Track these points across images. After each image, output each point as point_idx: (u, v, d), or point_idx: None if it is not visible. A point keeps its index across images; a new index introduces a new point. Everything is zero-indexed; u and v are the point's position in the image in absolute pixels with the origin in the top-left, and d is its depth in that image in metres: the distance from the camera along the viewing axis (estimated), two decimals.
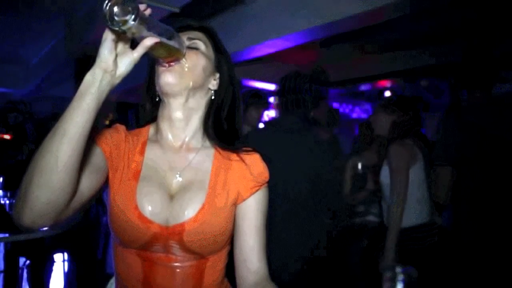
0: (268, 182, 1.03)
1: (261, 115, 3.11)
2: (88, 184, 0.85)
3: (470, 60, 2.50)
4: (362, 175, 2.61)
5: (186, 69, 0.93)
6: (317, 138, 2.04)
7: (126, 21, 0.70)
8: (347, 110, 8.34)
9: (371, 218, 2.81)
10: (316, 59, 5.61)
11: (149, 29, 0.76)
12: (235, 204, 0.99)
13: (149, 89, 1.03)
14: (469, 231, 2.26)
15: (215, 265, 0.97)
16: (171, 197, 0.94)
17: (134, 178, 0.93)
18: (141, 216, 0.89)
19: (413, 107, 2.41)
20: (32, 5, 4.95)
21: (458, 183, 2.28)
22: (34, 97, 7.96)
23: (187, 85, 0.94)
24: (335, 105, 7.42)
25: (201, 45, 0.99)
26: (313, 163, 1.90)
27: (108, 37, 0.74)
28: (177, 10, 3.72)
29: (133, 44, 0.79)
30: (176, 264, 0.92)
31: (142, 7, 0.73)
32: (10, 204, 2.73)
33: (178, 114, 0.97)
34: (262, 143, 1.64)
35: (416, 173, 2.16)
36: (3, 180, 3.46)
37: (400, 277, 0.81)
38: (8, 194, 2.88)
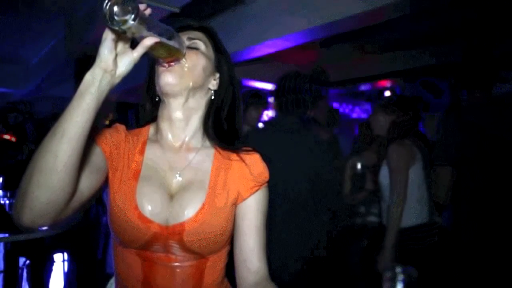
0: (268, 182, 1.03)
1: (261, 115, 3.12)
2: (88, 184, 0.85)
3: (470, 60, 2.50)
4: (361, 175, 2.61)
5: (186, 69, 0.93)
6: (317, 138, 2.04)
7: (126, 21, 0.70)
8: (347, 110, 8.33)
9: (371, 218, 2.81)
10: (316, 59, 5.61)
11: (149, 29, 0.76)
12: (235, 204, 0.99)
13: (149, 89, 1.03)
14: (469, 231, 2.26)
15: (215, 265, 0.97)
16: (171, 197, 0.94)
17: (134, 178, 0.93)
18: (141, 216, 0.89)
19: (413, 107, 2.41)
20: (32, 5, 4.95)
21: (458, 183, 2.28)
22: (34, 97, 7.96)
23: (187, 85, 0.94)
24: (335, 105, 7.41)
25: (201, 45, 0.99)
26: (313, 163, 1.90)
27: (108, 36, 0.74)
28: (177, 10, 3.72)
29: (133, 44, 0.79)
30: (176, 264, 0.92)
31: (142, 7, 0.73)
32: (10, 204, 2.73)
33: (178, 114, 0.97)
34: (262, 143, 1.64)
35: (416, 173, 2.16)
36: (3, 180, 3.46)
37: (400, 277, 0.80)
38: (8, 194, 2.88)
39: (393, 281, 0.80)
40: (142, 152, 0.98)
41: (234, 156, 1.01)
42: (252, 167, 1.00)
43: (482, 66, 2.38)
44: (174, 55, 0.89)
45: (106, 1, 0.70)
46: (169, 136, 0.99)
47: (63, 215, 0.78)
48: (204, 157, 1.00)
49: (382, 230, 2.18)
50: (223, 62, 1.04)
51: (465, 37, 4.77)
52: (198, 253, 0.93)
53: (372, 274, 2.10)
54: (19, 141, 3.56)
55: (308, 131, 2.02)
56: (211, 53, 1.01)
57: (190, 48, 0.96)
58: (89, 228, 3.08)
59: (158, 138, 1.01)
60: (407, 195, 2.10)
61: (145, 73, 1.04)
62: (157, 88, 0.96)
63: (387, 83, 6.88)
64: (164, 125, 0.99)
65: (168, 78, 0.92)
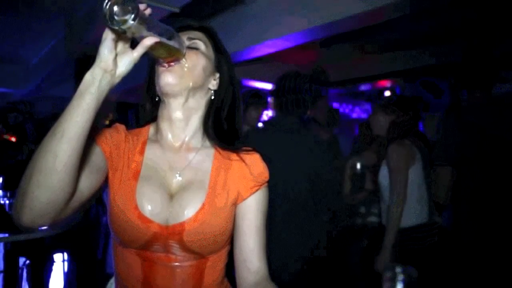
0: (268, 182, 1.03)
1: (260, 115, 3.12)
2: (88, 183, 0.85)
3: (470, 60, 2.51)
4: (361, 175, 2.61)
5: (186, 69, 0.93)
6: (317, 138, 2.04)
7: (125, 21, 0.70)
8: (347, 110, 8.34)
9: (372, 218, 2.81)
10: (316, 59, 5.61)
11: (149, 29, 0.76)
12: (235, 204, 0.99)
13: (149, 89, 1.03)
14: (469, 231, 2.26)
15: (215, 265, 0.97)
16: (171, 197, 0.94)
17: (134, 178, 0.93)
18: (141, 216, 0.89)
19: (413, 107, 2.41)
20: (32, 5, 4.95)
21: (458, 183, 2.28)
22: (34, 97, 7.96)
23: (187, 85, 0.94)
24: (335, 105, 7.41)
25: (201, 45, 0.99)
26: (313, 163, 1.90)
27: (108, 36, 0.74)
28: (177, 10, 3.72)
29: (133, 44, 0.79)
30: (176, 264, 0.92)
31: (142, 6, 0.73)
32: (10, 204, 2.73)
33: (178, 114, 0.97)
34: (262, 143, 1.64)
35: (416, 173, 2.16)
36: (3, 180, 3.46)
37: (400, 277, 0.80)
38: (8, 194, 2.88)
39: (393, 281, 0.80)
40: (142, 152, 0.98)
41: (234, 156, 1.01)
42: (252, 167, 1.00)
43: (482, 66, 2.39)
44: (174, 55, 0.89)
45: (106, 1, 0.70)
46: (169, 136, 0.99)
47: (63, 215, 0.78)
48: (204, 157, 1.00)
49: (382, 230, 2.18)
50: (223, 62, 1.04)
51: (465, 37, 4.77)
52: (198, 253, 0.93)
53: (372, 274, 2.09)
54: (19, 141, 3.56)
55: (308, 131, 2.02)
56: (211, 53, 1.01)
57: (190, 48, 0.96)
58: (89, 228, 3.08)
59: (158, 138, 1.01)
60: (407, 195, 2.10)
61: (145, 73, 1.04)
62: (157, 88, 0.96)
63: (387, 83, 6.88)
64: (164, 125, 0.99)
65: (168, 78, 0.92)
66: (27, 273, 2.96)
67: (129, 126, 1.02)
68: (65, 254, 3.17)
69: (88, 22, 4.65)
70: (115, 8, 0.70)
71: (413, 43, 5.49)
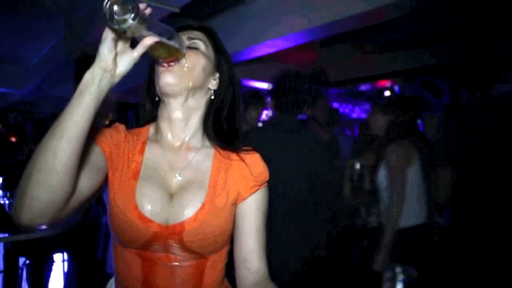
0: (268, 182, 1.03)
1: (260, 115, 3.12)
2: (88, 183, 0.85)
3: (470, 60, 2.51)
4: (360, 175, 2.61)
5: (186, 69, 0.93)
6: (317, 138, 2.04)
7: (125, 20, 0.70)
8: (347, 110, 8.34)
9: (372, 219, 2.80)
10: (316, 59, 5.61)
11: (149, 29, 0.76)
12: (235, 204, 0.99)
13: (149, 89, 1.03)
14: (469, 231, 2.26)
15: (215, 265, 0.97)
16: (171, 196, 0.94)
17: (133, 178, 0.93)
18: (141, 216, 0.89)
19: (413, 107, 2.41)
20: (32, 5, 4.95)
21: (458, 183, 2.28)
22: (34, 97, 7.96)
23: (187, 85, 0.94)
24: (335, 105, 7.41)
25: (201, 45, 0.99)
26: (313, 163, 1.90)
27: (108, 36, 0.74)
28: (177, 10, 3.72)
29: (133, 44, 0.79)
30: (176, 264, 0.92)
31: (142, 6, 0.73)
32: (10, 204, 2.73)
33: (178, 114, 0.97)
34: (262, 142, 1.64)
35: (415, 173, 2.16)
36: (3, 180, 3.46)
37: (400, 277, 0.80)
38: (8, 194, 2.88)
39: (393, 281, 0.81)
40: (142, 152, 0.97)
41: (234, 156, 1.01)
42: (252, 167, 1.00)
43: (482, 66, 2.39)
44: (174, 55, 0.89)
45: (106, 0, 0.70)
46: (169, 136, 0.99)
47: (62, 215, 0.78)
48: (204, 157, 1.00)
49: (382, 230, 2.18)
50: (223, 62, 1.04)
51: (465, 37, 4.77)
52: (198, 253, 0.93)
53: (372, 274, 2.09)
54: (19, 141, 3.56)
55: (308, 131, 2.02)
56: (211, 53, 1.01)
57: (190, 48, 0.96)
58: (89, 228, 3.08)
59: (158, 138, 1.01)
60: (406, 195, 2.10)
61: (145, 73, 1.04)
62: (157, 88, 0.96)
63: (387, 83, 6.88)
64: (164, 125, 0.99)
65: (168, 78, 0.92)
66: (27, 273, 2.96)
67: (129, 126, 1.02)
68: (65, 254, 3.17)
69: (88, 22, 4.65)
70: (115, 8, 0.70)
71: (413, 43, 5.49)
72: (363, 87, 7.40)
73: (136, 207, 0.89)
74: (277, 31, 3.84)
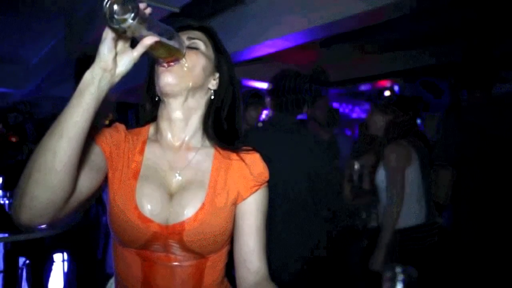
0: (268, 182, 1.02)
1: (260, 115, 3.12)
2: (88, 183, 0.85)
3: (470, 60, 2.51)
4: (359, 175, 2.61)
5: (185, 69, 0.93)
6: (317, 138, 2.04)
7: (125, 20, 0.70)
8: (347, 110, 8.34)
9: (373, 221, 2.80)
10: (316, 59, 5.61)
11: (149, 29, 0.76)
12: (235, 204, 0.99)
13: (149, 89, 1.03)
14: (469, 231, 2.26)
15: (215, 265, 0.97)
16: (171, 196, 0.94)
17: (133, 178, 0.93)
18: (141, 216, 0.89)
19: (413, 107, 2.41)
20: (32, 5, 4.95)
21: (458, 183, 2.28)
22: (34, 97, 7.96)
23: (186, 85, 0.94)
24: (335, 105, 7.42)
25: (201, 45, 0.99)
26: (313, 163, 1.90)
27: (108, 35, 0.74)
28: (177, 10, 3.72)
29: (133, 44, 0.79)
30: (176, 263, 0.92)
31: (142, 6, 0.73)
32: (10, 204, 2.73)
33: (177, 114, 0.97)
34: (262, 142, 1.64)
35: (415, 173, 2.16)
36: (3, 180, 3.46)
37: (400, 277, 0.80)
38: (8, 194, 2.88)
39: (393, 281, 0.80)
40: (142, 151, 0.97)
41: (234, 155, 1.01)
42: (252, 167, 1.00)
43: (482, 66, 2.39)
44: (174, 55, 0.89)
45: (106, 0, 0.70)
46: (169, 135, 0.99)
47: (62, 215, 0.78)
48: (204, 157, 1.00)
49: (381, 230, 2.17)
50: (223, 62, 1.04)
51: (465, 37, 4.77)
52: (198, 253, 0.93)
53: (372, 274, 2.10)
54: (19, 141, 3.56)
55: (308, 131, 2.02)
56: (211, 53, 1.01)
57: (190, 48, 0.96)
58: (89, 228, 3.07)
59: (158, 137, 1.00)
60: (404, 195, 2.10)
61: (145, 73, 1.04)
62: (157, 88, 0.96)
63: (387, 83, 6.89)
64: (164, 124, 0.99)
65: (168, 78, 0.92)
66: (27, 273, 2.96)
67: (129, 126, 1.02)
68: (65, 254, 3.17)
69: (88, 22, 4.65)
70: (115, 7, 0.70)
71: (413, 43, 5.49)
72: (363, 87, 7.40)
73: (136, 207, 0.89)
74: (277, 31, 3.84)
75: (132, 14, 0.70)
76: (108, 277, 1.09)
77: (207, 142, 1.02)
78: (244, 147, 1.02)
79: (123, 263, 0.95)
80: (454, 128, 2.32)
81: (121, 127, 0.99)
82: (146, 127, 1.03)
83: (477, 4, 3.89)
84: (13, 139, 3.55)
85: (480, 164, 2.23)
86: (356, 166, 2.60)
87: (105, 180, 0.92)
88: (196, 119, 1.00)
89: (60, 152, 0.72)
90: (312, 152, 1.91)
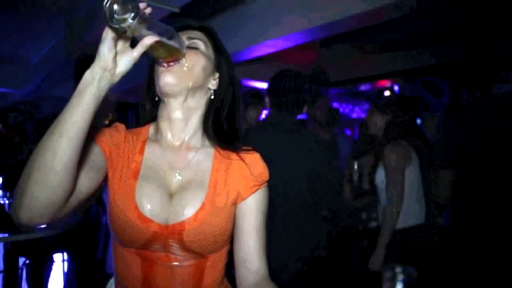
0: (268, 182, 1.02)
1: (260, 115, 3.12)
2: (87, 183, 0.85)
3: (470, 60, 2.51)
4: (359, 175, 2.61)
5: (185, 69, 0.93)
6: (317, 138, 2.04)
7: (125, 19, 0.70)
8: (347, 110, 8.35)
9: (373, 222, 2.80)
10: (316, 59, 5.61)
11: (149, 28, 0.76)
12: (235, 204, 0.99)
13: (149, 89, 1.03)
14: (469, 231, 2.26)
15: (215, 265, 0.97)
16: (171, 196, 0.94)
17: (133, 178, 0.93)
18: (141, 216, 0.89)
19: (413, 107, 2.41)
20: (32, 5, 4.96)
21: (458, 183, 2.28)
22: (34, 97, 7.96)
23: (186, 85, 0.94)
24: (335, 105, 7.42)
25: (201, 45, 0.99)
26: (313, 163, 1.90)
27: (108, 35, 0.74)
28: (177, 10, 3.72)
29: (133, 44, 0.79)
30: (176, 263, 0.92)
31: (142, 6, 0.73)
32: (10, 204, 2.73)
33: (177, 113, 0.97)
34: (262, 142, 1.64)
35: (415, 173, 2.16)
36: (3, 180, 3.46)
37: (400, 277, 0.80)
38: (8, 194, 2.88)
39: (393, 281, 0.80)
40: (142, 151, 0.97)
41: (234, 155, 1.01)
42: (252, 166, 1.00)
43: (482, 66, 2.39)
44: (174, 55, 0.89)
45: (106, 0, 0.70)
46: (169, 135, 0.99)
47: (61, 214, 0.78)
48: (204, 157, 1.00)
49: (381, 230, 2.17)
50: (223, 62, 1.04)
51: (465, 37, 4.77)
52: (198, 252, 0.93)
53: (372, 274, 2.10)
54: (19, 141, 3.56)
55: (308, 131, 2.02)
56: (211, 53, 1.01)
57: (190, 48, 0.96)
58: (89, 228, 3.08)
59: (158, 137, 1.00)
60: (404, 195, 2.10)
61: (145, 73, 1.04)
62: (157, 88, 0.96)
63: (387, 83, 6.89)
64: (164, 124, 0.99)
65: (168, 78, 0.92)
66: (27, 273, 2.95)
67: (129, 126, 1.02)
68: (65, 254, 3.17)
69: (88, 22, 4.65)
70: (115, 7, 0.70)
71: (413, 43, 5.49)
72: (363, 87, 7.41)
73: (136, 207, 0.89)
74: (277, 31, 3.84)
75: (132, 14, 0.70)
76: (108, 277, 1.09)
77: (207, 142, 1.02)
78: (244, 147, 1.02)
79: (123, 263, 0.95)
80: (454, 128, 2.32)
81: (121, 127, 0.99)
82: (146, 127, 1.03)
83: (477, 4, 3.89)
84: (14, 139, 3.55)
85: (480, 164, 2.23)
86: (356, 166, 2.60)
87: (105, 180, 0.92)
88: (196, 119, 1.00)
89: (60, 152, 0.72)
90: (312, 152, 1.91)
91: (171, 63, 0.91)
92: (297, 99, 1.97)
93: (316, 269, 1.93)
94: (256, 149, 1.04)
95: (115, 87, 0.78)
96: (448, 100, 5.28)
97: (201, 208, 0.92)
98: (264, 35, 3.98)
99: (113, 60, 0.75)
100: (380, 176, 2.22)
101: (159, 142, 1.00)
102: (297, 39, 3.93)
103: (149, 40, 0.77)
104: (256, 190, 1.00)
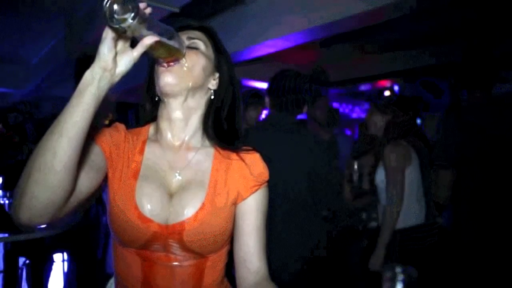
0: (268, 182, 1.02)
1: (260, 115, 3.12)
2: (87, 183, 0.85)
3: (470, 60, 2.51)
4: (359, 175, 2.61)
5: (185, 69, 0.93)
6: (317, 138, 2.04)
7: (125, 19, 0.70)
8: (347, 110, 8.35)
9: (373, 222, 2.80)
10: (316, 59, 5.61)
11: (149, 28, 0.76)
12: (235, 204, 0.99)
13: (149, 89, 1.03)
14: (469, 231, 2.26)
15: (215, 265, 0.97)
16: (171, 196, 0.94)
17: (133, 178, 0.93)
18: (141, 216, 0.89)
19: (413, 107, 2.41)
20: (32, 5, 4.95)
21: (458, 183, 2.28)
22: (34, 97, 7.96)
23: (186, 85, 0.94)
24: (335, 105, 7.42)
25: (201, 45, 0.99)
26: (313, 163, 1.90)
27: (108, 35, 0.74)
28: (177, 10, 3.72)
29: (133, 44, 0.79)
30: (176, 263, 0.92)
31: (142, 6, 0.73)
32: (10, 204, 2.73)
33: (177, 113, 0.97)
34: (262, 142, 1.64)
35: (415, 173, 2.16)
36: (3, 180, 3.46)
37: (400, 277, 0.80)
38: (8, 194, 2.88)
39: (393, 281, 0.80)
40: (142, 151, 0.97)
41: (234, 155, 1.01)
42: (252, 166, 1.00)
43: (482, 66, 2.39)
44: (174, 55, 0.89)
45: (106, 0, 0.70)
46: (169, 135, 0.99)
47: (61, 214, 0.78)
48: (204, 157, 1.00)
49: (381, 230, 2.17)
50: (223, 62, 1.04)
51: (465, 37, 4.77)
52: (198, 252, 0.93)
53: (372, 274, 2.10)
54: (19, 141, 3.56)
55: (308, 131, 2.02)
56: (211, 53, 1.01)
57: (190, 48, 0.96)
58: (89, 228, 3.08)
59: (158, 137, 1.00)
60: (404, 195, 2.10)
61: (145, 73, 1.04)
62: (157, 88, 0.96)
63: (387, 83, 6.89)
64: (164, 124, 0.99)
65: (168, 78, 0.92)
66: (27, 273, 2.95)
67: (129, 126, 1.02)
68: (65, 254, 3.17)
69: (88, 22, 4.65)
70: (115, 7, 0.70)
71: (413, 43, 5.49)
72: (363, 87, 7.41)
73: (136, 207, 0.89)
74: (277, 31, 3.84)
75: (132, 14, 0.70)
76: (108, 277, 1.09)
77: (207, 142, 1.02)
78: (244, 147, 1.02)
79: (123, 263, 0.95)
80: (454, 128, 2.32)
81: (121, 127, 0.99)
82: (146, 127, 1.03)
83: (477, 4, 3.89)
84: (14, 139, 3.54)
85: (480, 164, 2.23)
86: (356, 166, 2.60)
87: (105, 180, 0.92)
88: (196, 119, 1.00)
89: (60, 152, 0.72)
90: (312, 152, 1.91)
91: (171, 63, 0.91)
92: (297, 99, 1.97)
93: (316, 269, 1.93)
94: (256, 149, 1.04)
95: (115, 87, 0.78)
96: (448, 100, 5.28)
97: (201, 208, 0.92)
98: (264, 35, 3.98)
99: (113, 60, 0.75)
100: (380, 176, 2.22)
101: (159, 142, 1.00)
102: (297, 39, 3.93)
103: (149, 40, 0.77)
104: (256, 190, 1.00)
